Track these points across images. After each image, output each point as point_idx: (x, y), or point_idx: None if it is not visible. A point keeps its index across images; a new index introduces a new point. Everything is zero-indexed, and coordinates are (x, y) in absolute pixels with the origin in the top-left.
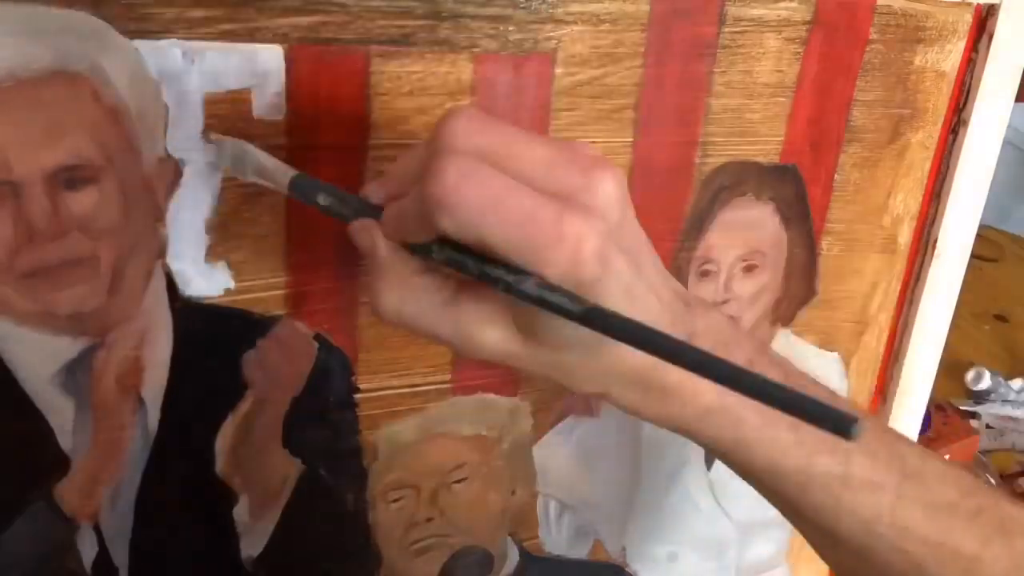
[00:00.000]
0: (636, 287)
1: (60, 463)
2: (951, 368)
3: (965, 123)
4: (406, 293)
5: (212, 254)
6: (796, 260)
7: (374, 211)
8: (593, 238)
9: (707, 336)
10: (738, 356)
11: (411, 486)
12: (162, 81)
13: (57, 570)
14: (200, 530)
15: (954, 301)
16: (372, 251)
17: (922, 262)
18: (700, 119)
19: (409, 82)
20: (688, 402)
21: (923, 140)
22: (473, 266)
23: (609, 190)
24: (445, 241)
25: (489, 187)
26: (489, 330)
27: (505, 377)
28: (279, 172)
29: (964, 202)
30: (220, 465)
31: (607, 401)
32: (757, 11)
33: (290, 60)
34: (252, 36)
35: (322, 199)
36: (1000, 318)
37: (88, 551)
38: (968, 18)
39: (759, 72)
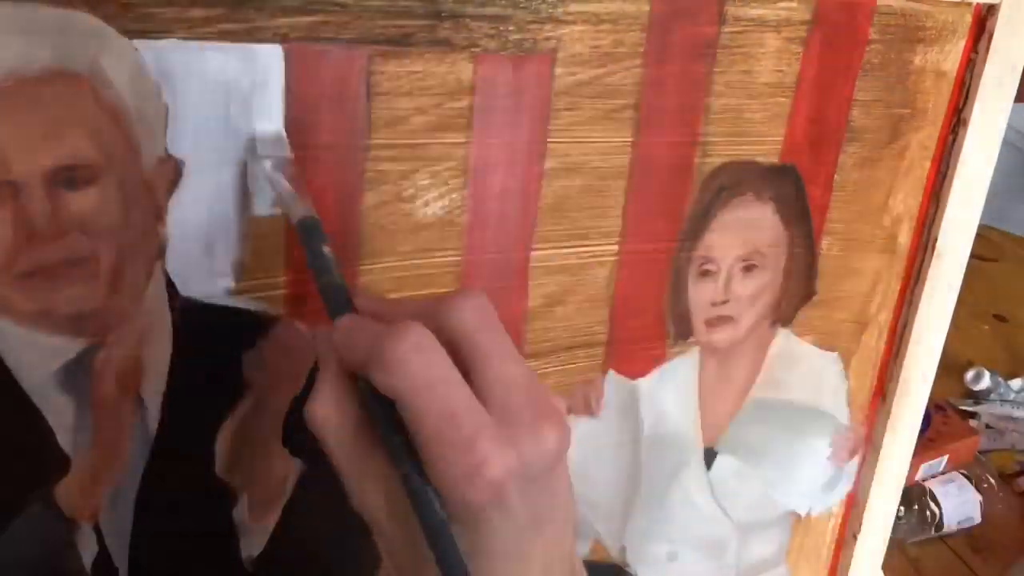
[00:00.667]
0: (524, 544)
1: (60, 463)
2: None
3: (965, 123)
4: (334, 413)
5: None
6: (796, 260)
7: (344, 306)
8: (499, 468)
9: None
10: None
11: None
12: (163, 82)
13: (57, 570)
14: (200, 530)
15: (954, 301)
16: (325, 361)
17: (922, 262)
18: (700, 119)
19: (409, 82)
20: None
21: (923, 140)
22: (382, 426)
23: (548, 445)
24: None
25: (432, 371)
26: (375, 491)
27: None
28: (294, 209)
29: (964, 202)
30: (220, 465)
31: None
32: (757, 11)
33: (290, 60)
34: (251, 36)
35: (312, 259)
36: (1000, 318)
37: (88, 551)
38: (968, 18)
39: (759, 72)
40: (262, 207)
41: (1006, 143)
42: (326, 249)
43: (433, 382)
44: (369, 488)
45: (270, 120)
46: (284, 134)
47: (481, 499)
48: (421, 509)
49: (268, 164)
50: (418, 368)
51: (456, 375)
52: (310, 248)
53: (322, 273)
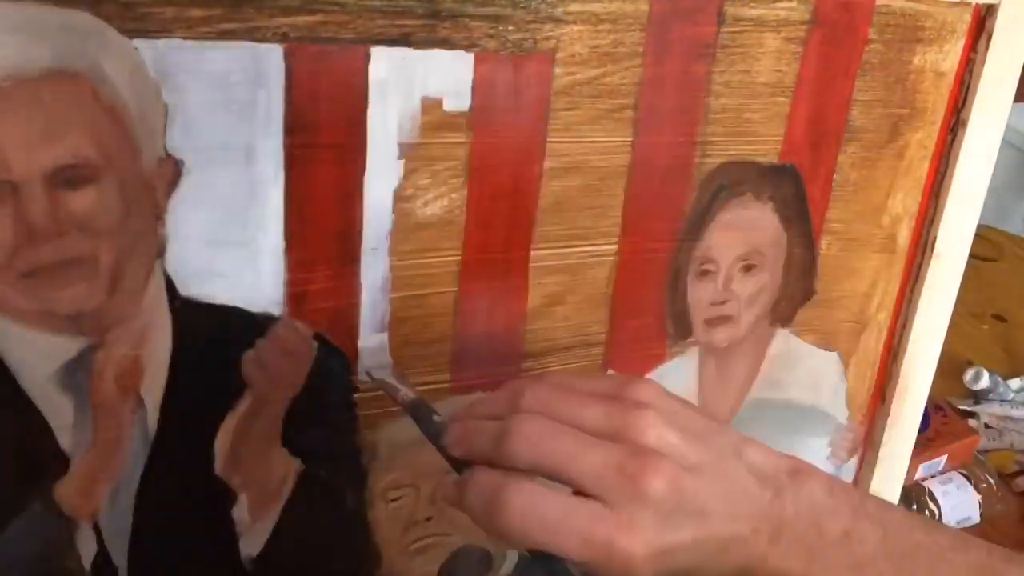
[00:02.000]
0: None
1: (60, 462)
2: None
3: (964, 123)
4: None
5: None
6: (795, 260)
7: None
8: (638, 546)
9: (797, 522)
10: (834, 528)
11: (410, 485)
12: (162, 81)
13: (56, 569)
14: (199, 529)
15: (953, 301)
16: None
17: (921, 262)
18: (699, 119)
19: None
20: None
21: (922, 140)
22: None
23: (657, 482)
24: None
25: (540, 505)
26: None
27: (504, 377)
28: (401, 392)
29: (963, 202)
30: (219, 464)
31: None
32: (756, 11)
33: (289, 59)
34: (251, 35)
35: (423, 426)
36: (999, 318)
37: (87, 550)
38: (967, 18)
39: (758, 72)
40: None
41: (1005, 143)
42: (436, 417)
43: (542, 512)
44: None
45: (372, 328)
46: (386, 342)
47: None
48: None
49: (375, 369)
50: (517, 517)
51: (552, 494)
52: (423, 421)
53: (438, 438)
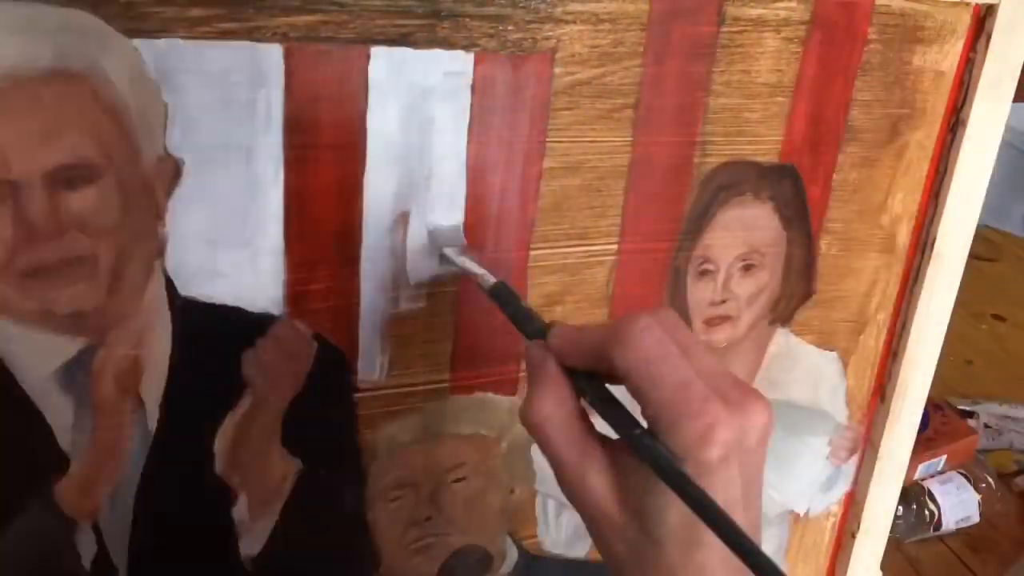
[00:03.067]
0: (736, 506)
1: (59, 462)
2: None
3: (963, 123)
4: (556, 409)
5: None
6: (795, 260)
7: (542, 333)
8: (726, 431)
9: None
10: None
11: (410, 485)
12: (162, 81)
13: (56, 569)
14: (199, 529)
15: (952, 300)
16: (542, 365)
17: (920, 262)
18: (699, 119)
19: None
20: None
21: (921, 140)
22: (611, 413)
23: (762, 418)
24: (597, 383)
25: (665, 347)
26: (600, 479)
27: (504, 377)
28: (484, 277)
29: (962, 202)
30: (219, 464)
31: None
32: (756, 11)
33: (289, 59)
34: (251, 35)
35: (510, 310)
36: (998, 318)
37: (87, 551)
38: (966, 18)
39: (758, 72)
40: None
41: (1005, 143)
42: (521, 303)
43: (666, 355)
44: (593, 478)
45: (449, 211)
46: (461, 225)
47: (714, 458)
48: (661, 464)
49: (451, 252)
50: (652, 343)
51: (679, 353)
52: (508, 305)
53: (526, 321)
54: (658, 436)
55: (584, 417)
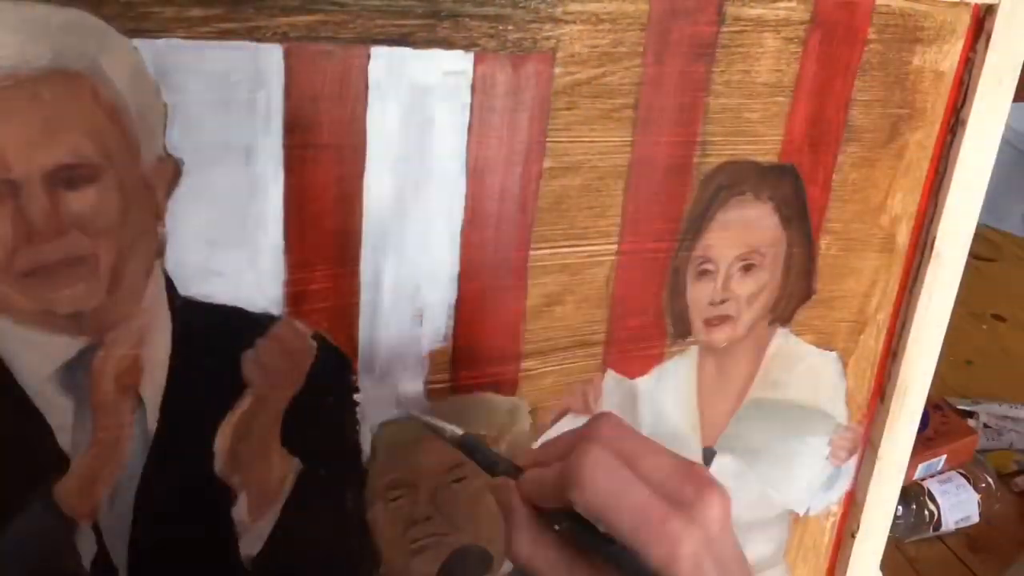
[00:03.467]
0: None
1: (59, 462)
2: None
3: (963, 123)
4: (535, 546)
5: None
6: (794, 259)
7: (516, 472)
8: (689, 543)
9: None
10: None
11: (410, 485)
12: (162, 81)
13: (56, 569)
14: (199, 529)
15: (952, 300)
16: (511, 509)
17: (920, 261)
18: (699, 118)
19: None
20: None
21: (921, 140)
22: (587, 539)
23: (714, 510)
24: (568, 512)
25: (616, 479)
26: None
27: (504, 377)
28: (451, 431)
29: (962, 202)
30: (219, 464)
31: None
32: (756, 11)
33: (289, 59)
34: (251, 35)
35: (479, 456)
36: (998, 317)
37: (87, 550)
38: (966, 18)
39: (758, 72)
40: None
41: (1004, 143)
42: (489, 450)
43: (619, 486)
44: None
45: (413, 379)
46: (422, 389)
47: (685, 571)
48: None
49: (417, 413)
50: (603, 479)
51: (631, 475)
52: (476, 454)
53: (493, 466)
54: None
55: (566, 544)
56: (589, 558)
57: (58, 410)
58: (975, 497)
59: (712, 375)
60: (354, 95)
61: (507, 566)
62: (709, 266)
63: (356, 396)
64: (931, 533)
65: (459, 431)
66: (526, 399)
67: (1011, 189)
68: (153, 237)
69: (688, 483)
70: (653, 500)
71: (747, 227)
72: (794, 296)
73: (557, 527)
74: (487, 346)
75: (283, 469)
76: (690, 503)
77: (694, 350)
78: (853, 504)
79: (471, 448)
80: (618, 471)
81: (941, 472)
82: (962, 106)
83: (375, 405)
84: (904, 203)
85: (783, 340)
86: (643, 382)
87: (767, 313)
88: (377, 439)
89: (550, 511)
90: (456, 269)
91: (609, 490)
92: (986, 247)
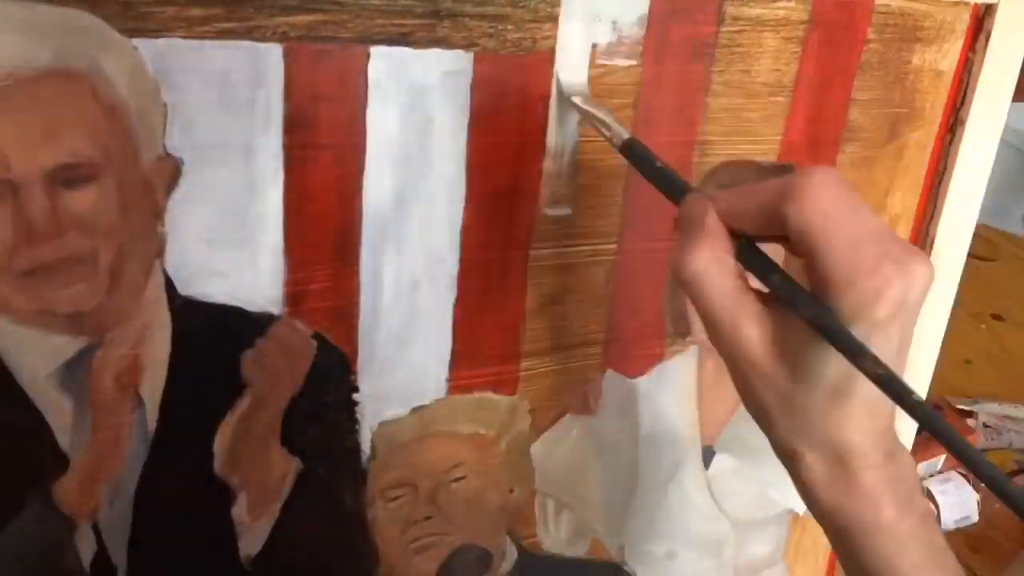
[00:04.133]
0: (890, 361)
1: (59, 462)
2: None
3: (962, 122)
4: (713, 262)
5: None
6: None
7: (685, 191)
8: (896, 290)
9: (906, 469)
10: (920, 503)
11: (410, 485)
12: (162, 80)
13: (56, 569)
14: (198, 529)
15: (951, 300)
16: (702, 218)
17: None
18: (698, 118)
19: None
20: (867, 508)
21: (921, 139)
22: (774, 277)
23: (922, 277)
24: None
25: (841, 200)
26: (755, 331)
27: (504, 376)
28: (615, 129)
29: (961, 201)
30: (219, 464)
31: (791, 466)
32: (755, 11)
33: (288, 59)
34: (251, 35)
35: (647, 167)
36: (997, 317)
37: (86, 550)
38: (966, 17)
39: (757, 71)
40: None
41: (1004, 143)
42: (658, 160)
43: (842, 213)
44: (747, 330)
45: (574, 72)
46: (586, 80)
47: (883, 316)
48: (826, 321)
49: (579, 99)
50: (829, 199)
51: (856, 204)
52: (643, 161)
53: (664, 179)
54: (825, 292)
55: (740, 274)
56: (762, 297)
57: (58, 410)
58: (974, 497)
59: (712, 374)
60: (354, 95)
61: (506, 565)
62: None
63: (356, 396)
64: None
65: (625, 133)
66: (526, 399)
67: (1011, 189)
68: (153, 237)
69: (900, 247)
70: (870, 239)
71: None
72: None
73: (744, 251)
74: (487, 346)
75: (283, 469)
76: (902, 259)
77: (694, 350)
78: None
79: (638, 157)
80: (845, 194)
81: (940, 472)
82: (961, 106)
83: (375, 405)
84: (903, 202)
85: None
86: (643, 382)
87: None
88: (377, 439)
89: (738, 237)
90: (456, 269)
91: (830, 210)
92: (986, 247)
